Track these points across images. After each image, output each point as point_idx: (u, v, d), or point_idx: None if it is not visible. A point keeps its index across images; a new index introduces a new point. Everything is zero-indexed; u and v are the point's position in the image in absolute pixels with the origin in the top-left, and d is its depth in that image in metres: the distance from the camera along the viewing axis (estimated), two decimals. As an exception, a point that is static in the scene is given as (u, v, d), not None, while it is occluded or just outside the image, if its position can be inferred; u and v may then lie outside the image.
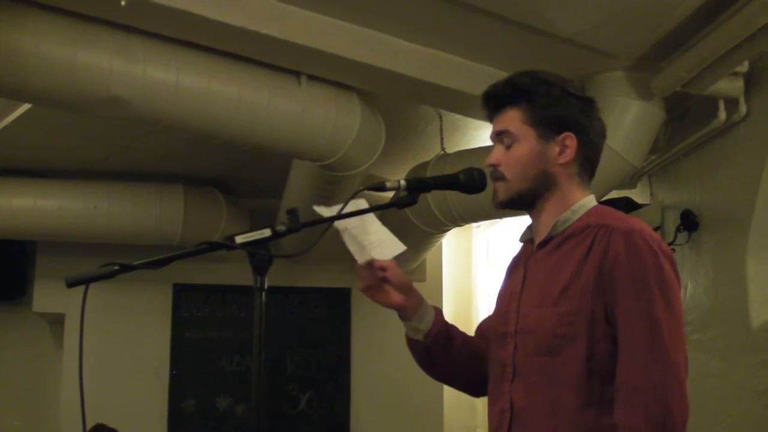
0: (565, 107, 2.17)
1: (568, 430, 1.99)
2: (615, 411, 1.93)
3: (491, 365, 2.23)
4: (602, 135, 2.25)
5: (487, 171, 2.24)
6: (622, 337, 1.96)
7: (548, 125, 2.15)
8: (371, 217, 2.25)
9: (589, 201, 2.20)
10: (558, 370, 2.01)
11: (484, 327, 2.40)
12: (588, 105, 2.22)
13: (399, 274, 2.29)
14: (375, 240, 2.24)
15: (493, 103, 2.23)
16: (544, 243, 2.18)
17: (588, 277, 2.01)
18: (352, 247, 2.22)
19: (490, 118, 2.26)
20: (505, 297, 2.27)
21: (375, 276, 2.26)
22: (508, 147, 2.18)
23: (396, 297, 2.29)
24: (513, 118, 2.17)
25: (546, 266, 2.14)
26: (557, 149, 2.16)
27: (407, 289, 2.30)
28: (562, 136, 2.15)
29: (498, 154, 2.19)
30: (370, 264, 2.24)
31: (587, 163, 2.21)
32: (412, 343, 2.36)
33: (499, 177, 2.18)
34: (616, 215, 2.14)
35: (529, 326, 2.09)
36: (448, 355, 2.34)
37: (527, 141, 2.16)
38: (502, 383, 2.13)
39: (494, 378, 2.20)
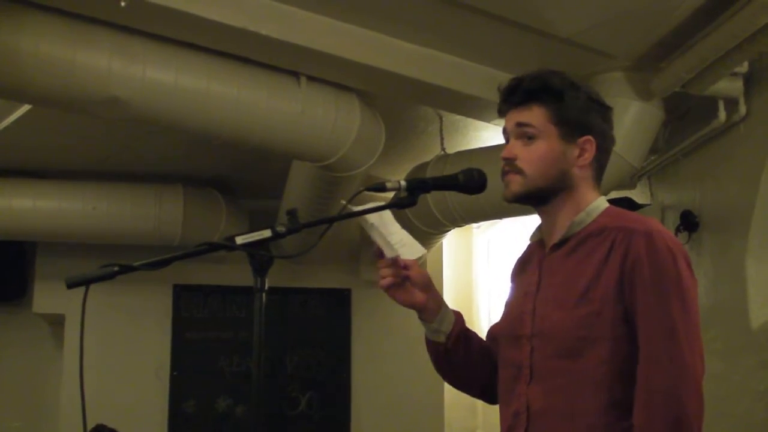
0: (588, 112, 2.18)
1: None
2: (633, 412, 1.94)
3: (502, 367, 2.22)
4: (614, 141, 2.26)
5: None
6: (641, 339, 1.97)
7: (572, 127, 2.15)
8: (391, 219, 2.23)
9: (602, 202, 2.19)
10: (579, 372, 2.01)
11: (495, 331, 2.37)
12: (608, 112, 2.24)
13: (422, 273, 2.27)
14: (398, 240, 2.22)
15: (517, 97, 2.18)
16: (560, 244, 2.16)
17: (609, 279, 2.01)
18: (380, 242, 2.20)
19: (504, 112, 2.23)
20: (518, 298, 2.25)
21: (398, 274, 2.23)
22: (529, 140, 2.15)
23: (418, 296, 2.27)
24: (538, 115, 2.15)
25: (564, 268, 2.13)
26: (577, 151, 2.16)
27: (428, 290, 2.28)
28: (583, 139, 2.16)
29: (515, 148, 2.16)
30: (394, 262, 2.22)
31: (600, 167, 2.22)
32: (432, 346, 2.33)
33: (516, 170, 2.15)
34: (632, 216, 2.14)
35: (548, 329, 2.08)
36: (467, 359, 2.33)
37: (550, 139, 2.14)
38: (517, 385, 2.12)
39: (506, 380, 2.19)
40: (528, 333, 2.12)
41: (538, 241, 2.27)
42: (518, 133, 2.17)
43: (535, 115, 2.15)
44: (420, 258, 2.29)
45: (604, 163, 2.22)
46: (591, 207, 2.16)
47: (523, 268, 2.31)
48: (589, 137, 2.16)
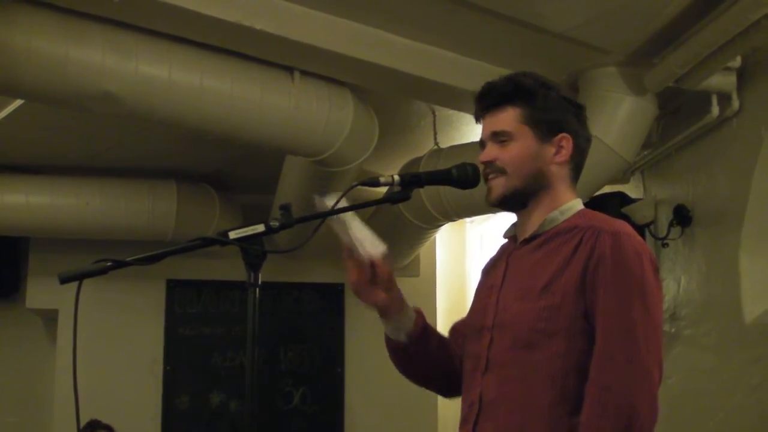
0: (562, 111, 2.21)
1: (539, 426, 1.99)
2: (583, 408, 1.94)
3: (465, 359, 2.24)
4: (589, 141, 2.28)
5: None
6: (598, 336, 1.97)
7: (546, 126, 2.18)
8: (354, 216, 2.22)
9: (577, 203, 2.22)
10: (534, 364, 2.02)
11: (458, 326, 2.41)
12: (581, 111, 2.26)
13: (386, 271, 2.24)
14: (360, 236, 2.20)
15: (491, 100, 2.22)
16: (529, 240, 2.19)
17: (572, 274, 2.03)
18: (348, 239, 2.19)
19: (480, 117, 2.27)
20: (483, 291, 2.28)
21: (366, 272, 2.22)
22: (503, 144, 2.18)
23: (381, 296, 2.25)
24: (511, 117, 2.18)
25: (529, 262, 2.15)
26: (553, 150, 2.18)
27: (391, 288, 2.26)
28: (559, 137, 2.18)
29: (493, 151, 2.19)
30: (360, 260, 2.20)
31: (576, 167, 2.24)
32: (392, 344, 2.34)
33: (497, 171, 2.17)
34: (605, 218, 2.15)
35: (508, 320, 2.10)
36: (426, 356, 2.33)
37: (525, 139, 2.17)
38: (474, 376, 2.14)
39: (467, 372, 2.20)
40: (489, 324, 2.14)
41: (512, 237, 2.29)
42: (494, 140, 2.20)
43: (509, 117, 2.19)
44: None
45: (580, 163, 2.25)
46: (565, 207, 2.18)
47: (493, 263, 2.34)
48: (565, 135, 2.19)
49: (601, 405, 1.90)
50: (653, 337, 1.98)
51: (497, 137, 2.19)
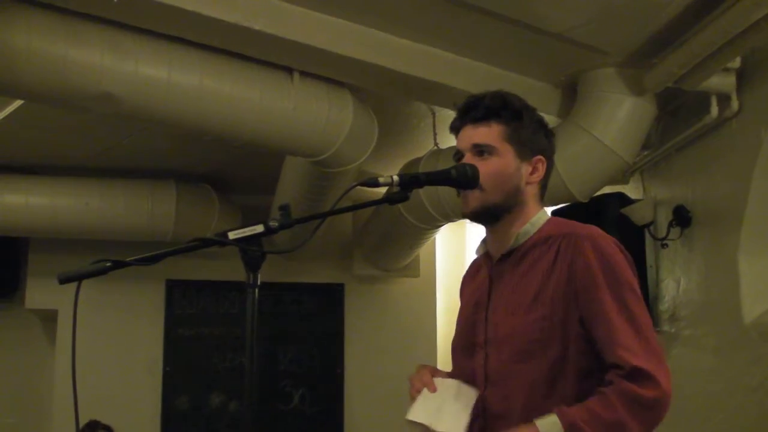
0: (541, 134, 2.29)
1: None
2: (628, 383, 1.98)
3: (457, 377, 2.26)
4: (553, 165, 2.35)
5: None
6: (605, 334, 2.05)
7: (527, 146, 2.25)
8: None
9: (544, 214, 2.29)
10: (533, 373, 2.09)
11: (456, 345, 2.42)
12: (553, 137, 2.35)
13: None
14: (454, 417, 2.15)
15: (477, 113, 2.25)
16: (508, 255, 2.24)
17: (557, 283, 2.10)
18: None
19: (458, 129, 2.30)
20: (469, 309, 2.32)
21: None
22: (485, 155, 2.21)
23: None
24: (496, 132, 2.23)
25: (513, 276, 2.21)
26: (530, 169, 2.25)
27: None
28: (536, 158, 2.26)
29: (472, 163, 2.22)
30: None
31: (543, 187, 2.32)
32: None
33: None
34: (575, 224, 2.22)
35: (503, 335, 2.16)
36: None
37: (506, 156, 2.22)
38: None
39: None
40: (481, 341, 2.21)
41: (484, 254, 2.36)
42: (475, 151, 2.24)
43: (493, 133, 2.23)
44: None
45: (546, 184, 2.33)
46: (535, 218, 2.26)
47: (472, 281, 2.40)
48: (541, 157, 2.27)
49: (643, 380, 1.98)
50: (650, 323, 2.10)
51: (477, 149, 2.23)
